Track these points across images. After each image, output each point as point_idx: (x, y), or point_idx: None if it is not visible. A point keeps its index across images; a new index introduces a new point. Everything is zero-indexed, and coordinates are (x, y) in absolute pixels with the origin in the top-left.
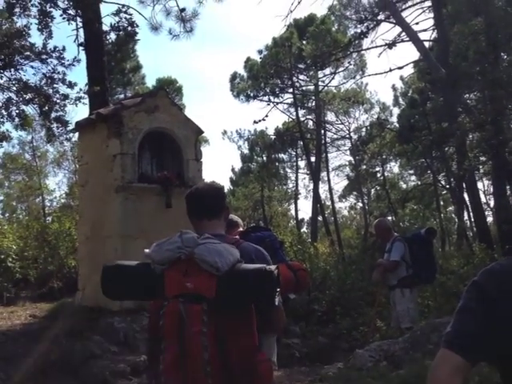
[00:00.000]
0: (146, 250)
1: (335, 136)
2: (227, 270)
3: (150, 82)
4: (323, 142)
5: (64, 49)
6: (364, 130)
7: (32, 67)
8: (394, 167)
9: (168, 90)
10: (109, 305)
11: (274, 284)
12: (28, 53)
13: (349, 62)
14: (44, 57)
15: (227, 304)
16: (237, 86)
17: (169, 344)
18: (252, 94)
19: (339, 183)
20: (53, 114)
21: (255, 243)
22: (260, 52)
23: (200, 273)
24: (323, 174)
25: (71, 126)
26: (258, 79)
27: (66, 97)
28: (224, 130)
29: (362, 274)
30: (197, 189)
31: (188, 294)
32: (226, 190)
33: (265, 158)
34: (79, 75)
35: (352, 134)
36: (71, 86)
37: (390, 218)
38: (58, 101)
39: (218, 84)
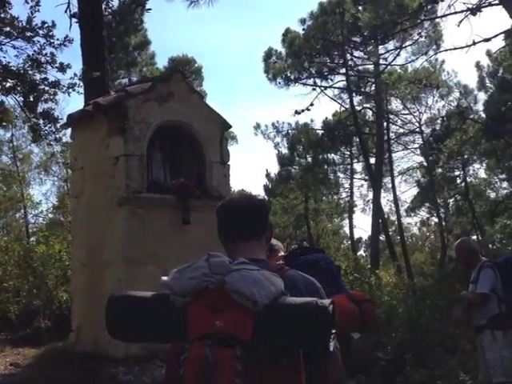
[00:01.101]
0: (164, 278)
1: (401, 130)
2: (267, 304)
3: (161, 63)
4: (386, 137)
5: (54, 25)
6: (439, 121)
7: (14, 47)
8: (479, 170)
9: (185, 72)
10: (111, 351)
11: (328, 324)
12: (8, 29)
13: (419, 34)
14: (29, 34)
15: (267, 348)
16: (273, 66)
17: None
18: (293, 77)
19: (407, 192)
20: (40, 107)
21: (306, 268)
22: (303, 22)
23: (232, 307)
24: (386, 180)
25: (62, 121)
26: (301, 57)
27: (56, 84)
28: (257, 124)
29: (440, 312)
30: (231, 201)
31: (217, 334)
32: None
33: (310, 160)
34: (72, 56)
35: (423, 128)
36: (63, 69)
37: (474, 237)
38: (46, 89)
39: (248, 64)
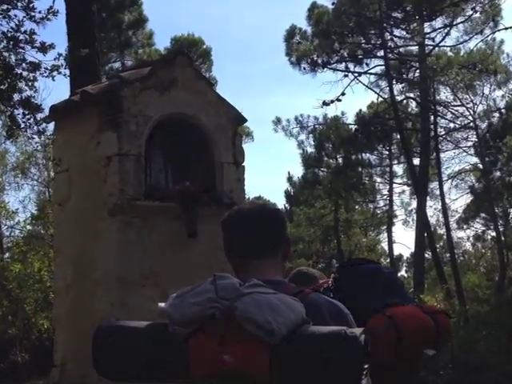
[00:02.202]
0: (161, 304)
1: (452, 125)
2: (286, 334)
3: (162, 44)
4: (433, 134)
5: None
6: (497, 114)
7: None
8: None
9: (191, 54)
10: None
11: (360, 358)
12: None
13: (473, 9)
14: (5, 7)
15: None
16: (296, 47)
17: None
18: (320, 61)
19: (458, 200)
20: (16, 95)
21: (369, 278)
22: None
23: (244, 339)
24: (433, 186)
25: (44, 114)
26: (330, 37)
27: (36, 66)
28: (276, 118)
29: (498, 344)
30: (240, 211)
31: (225, 372)
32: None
33: (340, 161)
34: (56, 34)
35: (478, 122)
36: (44, 49)
37: None
38: (24, 73)
39: (266, 45)
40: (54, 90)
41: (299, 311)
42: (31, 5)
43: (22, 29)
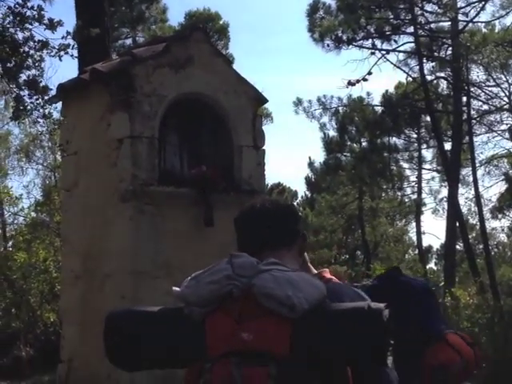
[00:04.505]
0: (176, 289)
1: (485, 107)
2: (307, 309)
3: (175, 19)
4: (465, 116)
5: None
6: None
7: None
8: None
9: (207, 30)
10: None
11: (383, 331)
12: None
13: None
14: None
15: (308, 365)
16: (319, 23)
17: None
18: (345, 37)
19: (492, 187)
20: (23, 74)
21: (416, 294)
22: None
23: (263, 316)
24: (465, 172)
25: (51, 93)
26: (356, 12)
27: (44, 44)
28: (297, 99)
29: None
30: (253, 207)
31: (245, 350)
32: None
33: (365, 145)
34: (64, 11)
35: None
36: (52, 26)
37: None
38: (31, 51)
39: (287, 21)
40: (61, 68)
41: (321, 287)
42: None
43: (29, 4)
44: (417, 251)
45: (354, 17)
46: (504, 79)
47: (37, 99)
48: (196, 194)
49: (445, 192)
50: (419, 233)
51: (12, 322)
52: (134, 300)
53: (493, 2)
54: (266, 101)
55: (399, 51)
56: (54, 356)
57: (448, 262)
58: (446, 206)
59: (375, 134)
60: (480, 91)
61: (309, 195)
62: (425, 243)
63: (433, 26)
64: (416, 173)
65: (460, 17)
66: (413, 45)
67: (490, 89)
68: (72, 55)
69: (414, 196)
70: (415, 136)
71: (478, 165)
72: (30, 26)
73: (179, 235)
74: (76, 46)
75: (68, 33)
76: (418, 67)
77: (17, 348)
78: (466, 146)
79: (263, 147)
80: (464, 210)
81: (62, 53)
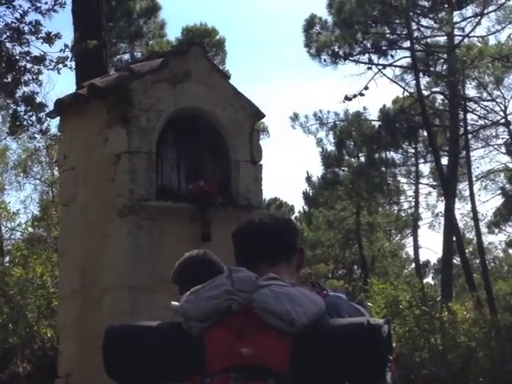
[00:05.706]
0: (175, 303)
1: (482, 121)
2: (306, 324)
3: (173, 34)
4: (462, 131)
5: None
6: None
7: None
8: None
9: (204, 45)
10: None
11: (382, 347)
12: None
13: None
14: None
15: (307, 380)
16: (316, 38)
17: None
18: (342, 52)
19: (489, 202)
20: (20, 90)
21: None
22: None
23: (263, 331)
24: (462, 187)
25: (48, 109)
26: (352, 27)
27: (40, 59)
28: (294, 114)
29: None
30: (250, 221)
31: (244, 365)
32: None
33: (362, 160)
34: (62, 26)
35: (510, 118)
36: (50, 39)
37: None
38: (28, 66)
39: (284, 36)
40: (58, 84)
41: (319, 303)
42: None
43: (27, 19)
44: (414, 266)
45: (351, 32)
46: (500, 94)
47: (30, 116)
48: (193, 209)
49: (441, 206)
50: (416, 247)
51: (9, 338)
52: (132, 315)
53: (488, 16)
54: (263, 115)
55: (395, 66)
56: (52, 371)
57: (445, 277)
58: (442, 221)
59: (372, 148)
60: (476, 106)
61: (306, 210)
62: (422, 258)
63: (429, 40)
64: (413, 187)
65: (456, 31)
66: (409, 59)
67: (486, 104)
68: (70, 67)
69: (411, 210)
70: (412, 151)
71: (474, 179)
72: (27, 42)
73: (177, 250)
74: (74, 58)
75: (66, 46)
76: (414, 82)
77: (14, 364)
78: (462, 161)
79: (260, 162)
80: (461, 224)
81: (60, 65)
